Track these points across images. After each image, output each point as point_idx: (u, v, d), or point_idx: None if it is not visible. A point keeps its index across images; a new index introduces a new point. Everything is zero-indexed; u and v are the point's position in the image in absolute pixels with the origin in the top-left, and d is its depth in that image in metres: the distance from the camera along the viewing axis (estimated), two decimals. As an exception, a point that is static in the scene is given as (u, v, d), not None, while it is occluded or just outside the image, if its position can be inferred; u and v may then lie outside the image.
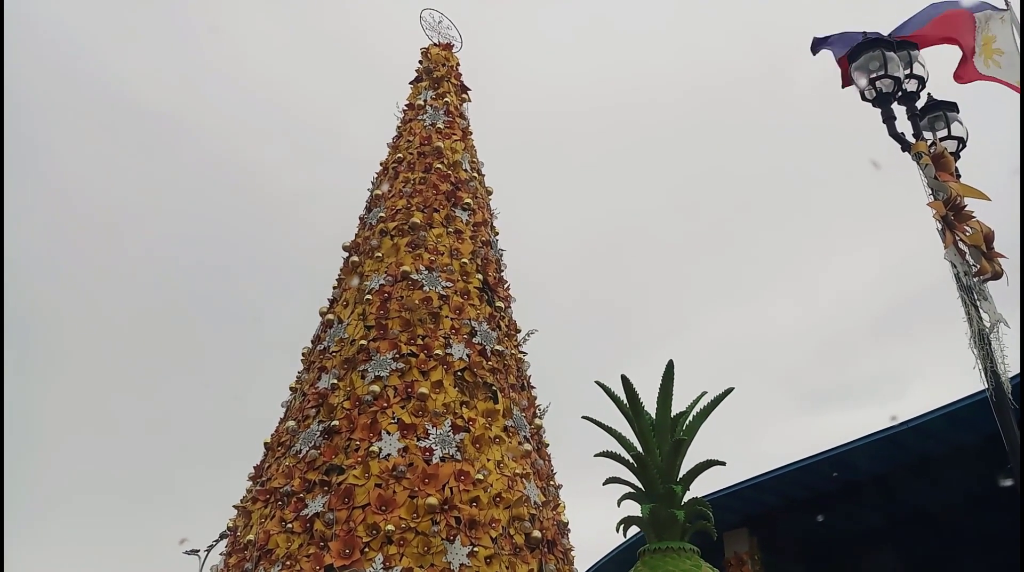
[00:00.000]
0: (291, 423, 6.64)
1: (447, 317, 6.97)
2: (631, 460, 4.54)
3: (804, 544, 16.69)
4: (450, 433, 6.20)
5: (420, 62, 9.67)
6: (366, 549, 5.51)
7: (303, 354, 7.60)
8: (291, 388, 7.41)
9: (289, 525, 5.83)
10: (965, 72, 8.07)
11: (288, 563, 5.61)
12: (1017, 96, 8.06)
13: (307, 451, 6.27)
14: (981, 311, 5.47)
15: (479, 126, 9.50)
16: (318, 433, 6.33)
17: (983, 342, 5.41)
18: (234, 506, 6.72)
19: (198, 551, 22.24)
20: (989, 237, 5.80)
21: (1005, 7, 8.60)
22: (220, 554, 6.56)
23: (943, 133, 6.92)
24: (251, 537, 5.99)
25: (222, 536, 6.65)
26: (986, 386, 5.37)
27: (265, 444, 6.99)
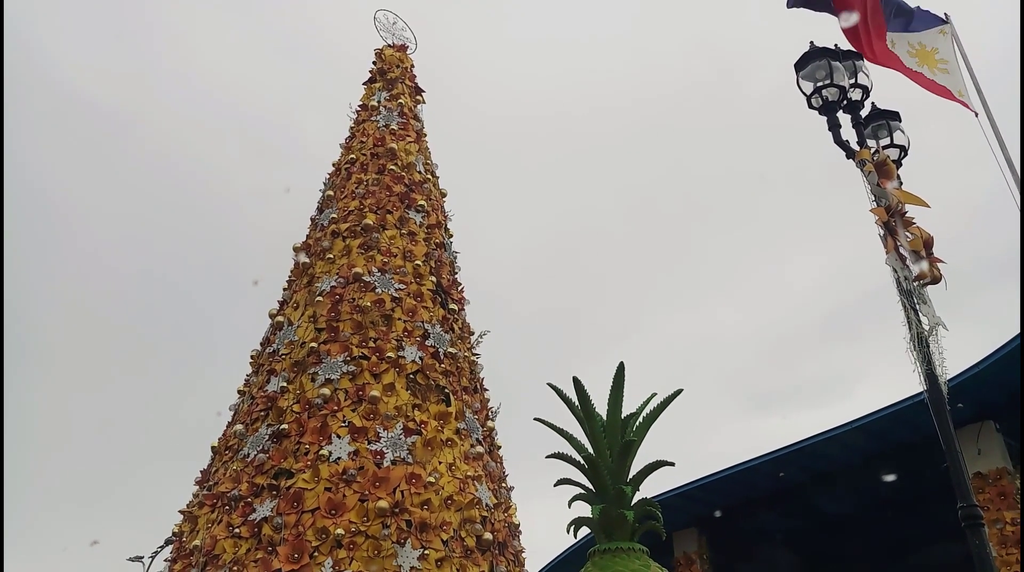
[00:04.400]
0: (239, 427, 6.53)
1: (400, 319, 6.93)
2: (582, 461, 4.57)
3: (752, 543, 17.01)
4: (401, 436, 6.16)
5: (374, 63, 9.60)
6: (315, 553, 5.44)
7: (252, 357, 7.48)
8: (239, 391, 7.29)
9: (236, 530, 5.73)
10: (878, 53, 8.17)
11: (235, 568, 5.51)
12: (949, 103, 8.34)
13: (255, 455, 6.17)
14: (920, 315, 5.64)
15: (434, 128, 9.49)
16: (267, 437, 6.23)
17: (922, 345, 5.58)
18: (180, 511, 6.58)
19: (142, 557, 21.70)
20: (928, 243, 5.98)
21: (945, 20, 8.90)
22: (165, 560, 6.42)
23: (886, 141, 7.13)
24: (197, 542, 5.88)
25: (167, 542, 6.51)
26: (925, 388, 5.54)
27: (212, 448, 6.86)
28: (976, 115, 8.32)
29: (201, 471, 6.86)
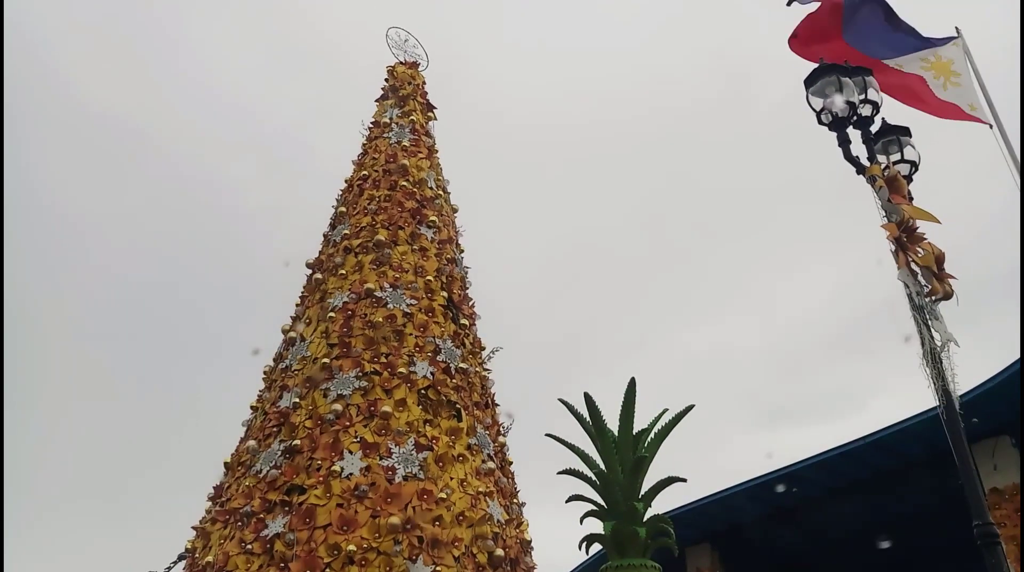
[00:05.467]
0: (251, 443, 6.56)
1: (411, 335, 6.95)
2: (594, 478, 4.58)
3: (765, 558, 16.87)
4: (413, 452, 6.18)
5: (386, 80, 9.70)
6: (327, 570, 5.45)
7: (264, 372, 7.52)
8: (252, 407, 7.32)
9: (249, 546, 5.75)
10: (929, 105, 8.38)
11: (247, 585, 5.53)
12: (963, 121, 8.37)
13: (268, 471, 6.19)
14: (932, 330, 5.62)
15: (446, 140, 9.53)
16: (279, 453, 6.26)
17: (935, 360, 5.56)
18: (193, 527, 6.61)
19: (154, 573, 21.70)
20: (940, 258, 5.98)
21: (957, 35, 8.93)
22: (177, 576, 6.44)
23: (896, 156, 7.13)
24: (210, 558, 5.90)
25: (180, 557, 6.52)
26: (937, 403, 5.52)
27: (225, 464, 6.89)
28: (991, 127, 8.34)
29: (214, 487, 6.88)
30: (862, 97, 6.73)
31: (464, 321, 7.61)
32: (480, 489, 6.36)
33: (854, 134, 6.70)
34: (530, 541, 6.95)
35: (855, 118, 6.65)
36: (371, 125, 9.23)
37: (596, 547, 4.62)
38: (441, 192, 8.78)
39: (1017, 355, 11.03)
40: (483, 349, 7.93)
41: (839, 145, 6.56)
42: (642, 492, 4.52)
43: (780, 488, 14.16)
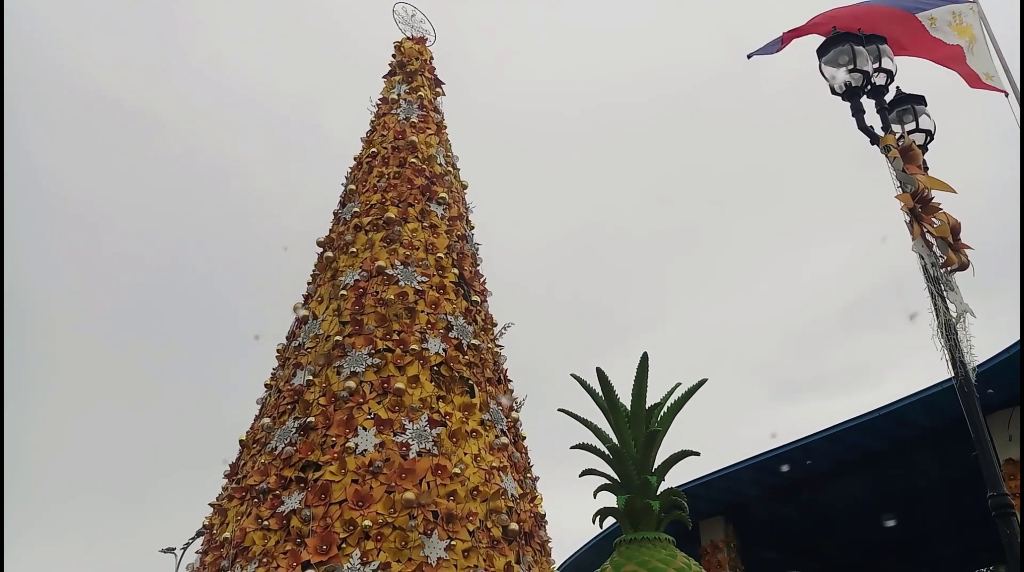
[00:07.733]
0: (266, 420, 6.61)
1: (423, 312, 6.96)
2: (607, 452, 4.57)
3: (778, 531, 16.93)
4: (427, 428, 6.21)
5: (393, 56, 9.62)
6: (343, 545, 5.51)
7: (278, 351, 7.56)
8: (266, 385, 7.37)
9: (265, 522, 5.82)
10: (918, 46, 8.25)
11: (265, 560, 5.59)
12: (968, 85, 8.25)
13: (283, 448, 6.25)
14: (948, 302, 5.57)
15: (457, 121, 9.47)
16: (294, 430, 6.31)
17: (950, 332, 5.50)
18: (210, 504, 6.69)
19: (174, 549, 22.08)
20: (955, 229, 5.90)
21: (973, 0, 8.75)
22: (196, 552, 6.53)
23: (911, 126, 7.02)
24: (227, 535, 5.97)
25: (198, 534, 6.61)
26: (953, 375, 5.47)
27: (241, 441, 6.95)
28: (1006, 95, 8.20)
29: (230, 464, 6.95)
30: (876, 66, 6.61)
31: (475, 298, 7.61)
32: (494, 464, 6.39)
33: (868, 104, 6.59)
34: (544, 515, 6.99)
35: (869, 87, 6.54)
36: (379, 102, 9.18)
37: (610, 520, 4.63)
38: (450, 168, 8.74)
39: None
40: (495, 325, 7.94)
41: (853, 115, 6.46)
42: (655, 466, 4.52)
43: (793, 461, 14.16)
